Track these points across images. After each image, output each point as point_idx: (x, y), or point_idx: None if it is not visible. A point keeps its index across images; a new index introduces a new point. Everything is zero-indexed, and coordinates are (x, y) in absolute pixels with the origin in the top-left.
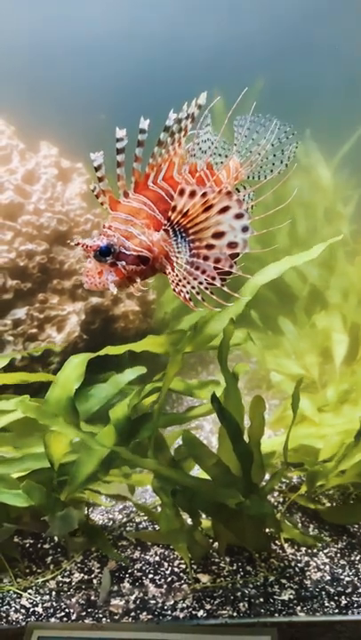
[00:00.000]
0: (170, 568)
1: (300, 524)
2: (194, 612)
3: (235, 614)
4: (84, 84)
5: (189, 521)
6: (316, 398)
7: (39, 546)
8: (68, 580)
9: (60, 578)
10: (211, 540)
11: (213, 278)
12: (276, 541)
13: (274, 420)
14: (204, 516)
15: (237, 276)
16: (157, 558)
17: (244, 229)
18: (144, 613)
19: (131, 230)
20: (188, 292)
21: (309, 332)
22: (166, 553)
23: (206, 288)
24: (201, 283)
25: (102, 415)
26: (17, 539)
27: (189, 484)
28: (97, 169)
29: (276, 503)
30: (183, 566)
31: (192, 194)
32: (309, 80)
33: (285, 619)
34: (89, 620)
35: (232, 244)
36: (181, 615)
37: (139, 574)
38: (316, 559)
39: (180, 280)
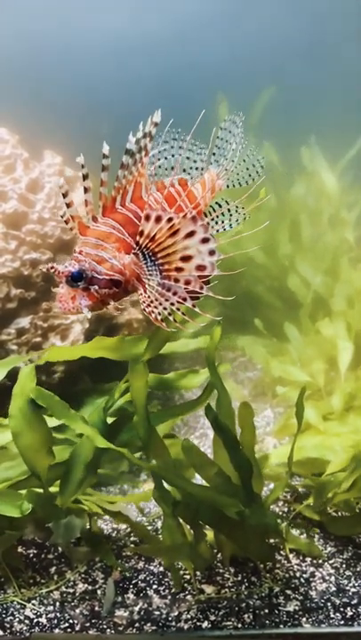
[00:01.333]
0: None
1: (304, 535)
2: (198, 624)
3: (239, 625)
4: (89, 93)
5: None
6: (322, 406)
7: (43, 556)
8: (71, 590)
9: (63, 588)
10: (215, 551)
11: (185, 299)
12: (281, 552)
13: (278, 429)
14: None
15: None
16: (161, 569)
17: (211, 253)
18: (148, 624)
19: (102, 254)
20: (159, 313)
21: (314, 339)
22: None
23: (178, 309)
24: (172, 304)
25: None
26: (21, 549)
27: (191, 491)
28: (64, 195)
29: (281, 513)
30: (187, 577)
31: (158, 219)
32: (315, 86)
33: (291, 630)
34: (93, 631)
35: (200, 267)
36: (186, 626)
37: (143, 585)
38: (321, 570)
39: (151, 301)
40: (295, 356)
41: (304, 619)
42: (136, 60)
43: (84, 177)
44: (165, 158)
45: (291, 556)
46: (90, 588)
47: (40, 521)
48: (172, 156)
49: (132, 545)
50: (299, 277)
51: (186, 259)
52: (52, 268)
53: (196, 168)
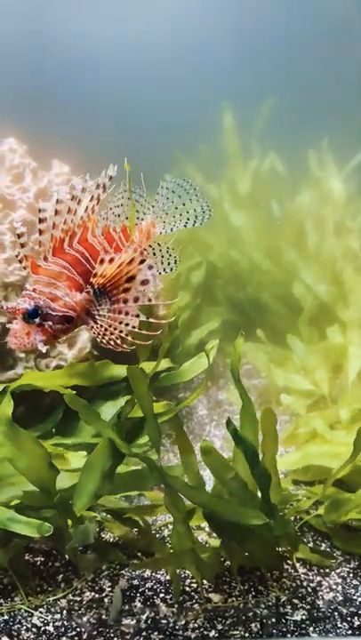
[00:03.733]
0: (181, 587)
1: (311, 544)
2: (205, 633)
3: (247, 635)
4: (96, 102)
5: (200, 538)
6: (327, 415)
7: (50, 564)
8: (79, 598)
9: (71, 596)
10: (222, 559)
11: (138, 315)
12: (288, 561)
13: (285, 438)
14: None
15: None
16: (168, 577)
17: (150, 267)
18: (155, 633)
19: (55, 292)
20: (117, 337)
21: (319, 347)
22: (178, 572)
23: (134, 327)
24: (127, 324)
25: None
26: (28, 556)
27: (208, 503)
28: (19, 236)
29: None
30: (195, 585)
31: (111, 261)
32: (321, 94)
33: (298, 639)
34: (100, 639)
35: (144, 282)
36: (193, 635)
37: (150, 593)
38: (328, 579)
39: (105, 330)
40: (299, 364)
41: (311, 628)
42: (145, 69)
43: (40, 220)
44: (117, 207)
45: (298, 565)
46: (97, 596)
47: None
48: (121, 205)
49: (136, 559)
50: (303, 285)
51: (130, 279)
52: (4, 307)
53: (138, 217)
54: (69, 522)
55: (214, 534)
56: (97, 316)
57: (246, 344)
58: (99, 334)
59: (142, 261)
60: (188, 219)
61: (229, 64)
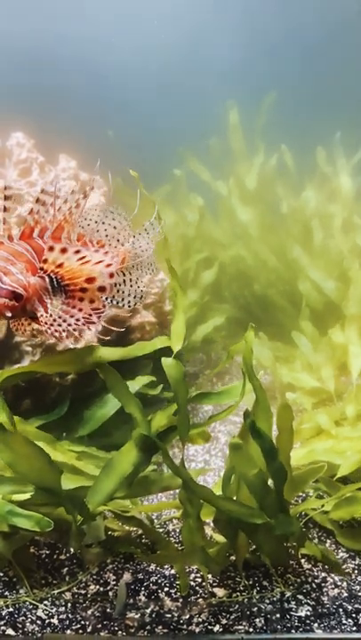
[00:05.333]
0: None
1: (316, 540)
2: (210, 627)
3: (251, 630)
4: (103, 98)
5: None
6: (333, 411)
7: (55, 557)
8: (83, 591)
9: (75, 589)
10: (227, 554)
11: (90, 315)
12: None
13: None
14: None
15: None
16: (173, 571)
17: (110, 275)
18: (160, 627)
19: (10, 268)
20: (64, 330)
21: (325, 344)
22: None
23: (84, 324)
24: (78, 320)
25: (117, 420)
26: (33, 549)
27: (223, 507)
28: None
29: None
30: (199, 580)
31: (63, 250)
32: (324, 93)
33: (302, 635)
34: (104, 632)
35: (101, 288)
36: (197, 630)
37: (154, 587)
38: (333, 575)
39: (54, 320)
40: (304, 361)
41: (316, 624)
42: (150, 64)
43: (6, 197)
44: (96, 222)
45: (303, 560)
46: (101, 589)
47: (54, 523)
48: (103, 223)
49: (143, 554)
50: (310, 282)
51: (90, 280)
52: None
53: (117, 240)
54: (78, 517)
55: (216, 526)
56: (49, 305)
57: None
58: (46, 323)
59: (108, 265)
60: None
61: (235, 61)
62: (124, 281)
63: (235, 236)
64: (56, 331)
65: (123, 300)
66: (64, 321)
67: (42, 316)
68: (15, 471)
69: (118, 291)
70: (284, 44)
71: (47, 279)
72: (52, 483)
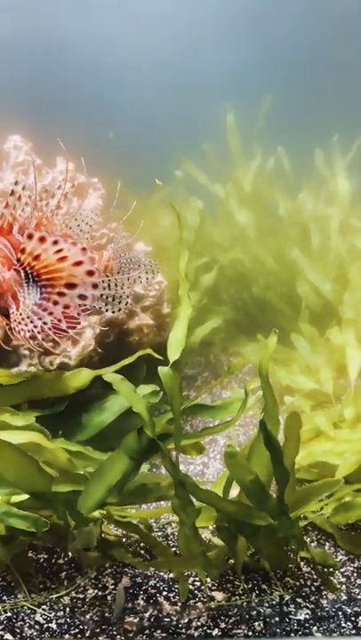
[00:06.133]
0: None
1: (315, 543)
2: (209, 631)
3: (250, 633)
4: (100, 100)
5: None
6: (331, 413)
7: (53, 561)
8: (82, 596)
9: (74, 594)
10: (225, 558)
11: (60, 321)
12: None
13: None
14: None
15: None
16: (172, 575)
17: (94, 286)
18: (158, 631)
19: None
20: (29, 331)
21: (324, 347)
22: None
23: (50, 328)
24: (45, 323)
25: (115, 428)
26: (31, 553)
27: (222, 508)
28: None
29: None
30: (198, 583)
31: (41, 239)
32: (321, 95)
33: (302, 639)
34: (103, 637)
35: (82, 296)
36: (196, 634)
37: (153, 591)
38: (332, 579)
39: (22, 319)
40: (303, 364)
41: (315, 627)
42: (146, 67)
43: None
44: (86, 224)
45: (302, 564)
46: (100, 593)
47: (52, 527)
48: (86, 224)
49: (141, 557)
50: (308, 284)
51: (70, 286)
52: None
53: (86, 238)
54: (72, 522)
55: (217, 532)
56: (22, 303)
57: (251, 343)
58: (14, 320)
59: (90, 273)
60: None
61: (232, 63)
62: (109, 285)
63: (233, 238)
64: (22, 330)
65: (106, 305)
66: (31, 322)
67: (13, 313)
68: (2, 479)
69: (102, 295)
70: (284, 43)
71: (22, 274)
72: (42, 489)
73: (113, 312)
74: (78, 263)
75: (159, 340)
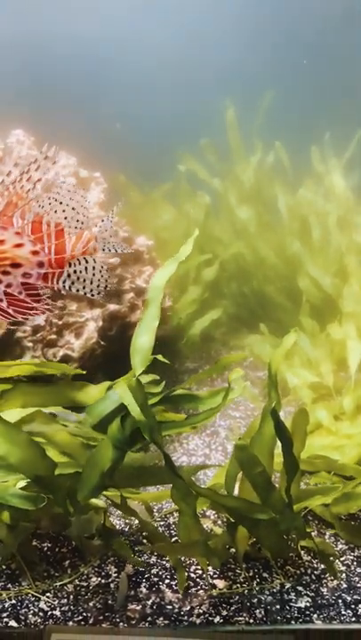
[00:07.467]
0: (186, 573)
1: (316, 532)
2: (210, 618)
3: (251, 621)
4: (101, 94)
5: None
6: (332, 406)
7: (57, 550)
8: (85, 584)
9: (77, 582)
10: (227, 547)
11: (0, 300)
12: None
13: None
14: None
15: None
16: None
17: (40, 265)
18: (161, 618)
19: None
20: None
21: (324, 340)
22: (183, 558)
23: None
24: None
25: (115, 416)
26: (35, 542)
27: (225, 504)
28: None
29: None
30: (200, 572)
31: None
32: (320, 91)
33: (302, 626)
34: (106, 624)
35: (26, 275)
36: (198, 621)
37: (155, 579)
38: (333, 565)
39: None
40: (303, 357)
41: (315, 615)
42: (147, 62)
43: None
44: (56, 200)
45: (302, 552)
46: (103, 581)
47: (55, 514)
48: (60, 203)
49: (146, 543)
50: (308, 278)
51: (15, 265)
52: None
53: (77, 220)
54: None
55: (219, 522)
56: None
57: (252, 336)
58: None
59: (34, 252)
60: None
61: (232, 57)
62: (86, 268)
63: (235, 233)
64: None
65: (84, 287)
66: None
67: None
68: (7, 462)
69: (79, 278)
70: (283, 42)
71: None
72: (45, 474)
73: (92, 295)
74: (19, 245)
75: (160, 332)
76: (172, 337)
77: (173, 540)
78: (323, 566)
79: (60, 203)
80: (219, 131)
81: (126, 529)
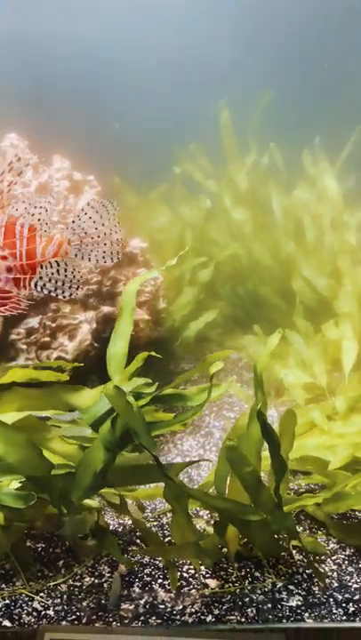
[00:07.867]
0: (179, 573)
1: (307, 531)
2: (202, 617)
3: (243, 620)
4: (96, 98)
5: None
6: (325, 406)
7: (51, 550)
8: (78, 583)
9: (71, 582)
10: (219, 547)
11: None
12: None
13: None
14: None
15: None
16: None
17: (8, 270)
18: (153, 618)
19: None
20: None
21: (318, 341)
22: (175, 558)
23: None
24: None
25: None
26: (29, 542)
27: (215, 505)
28: None
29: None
30: (192, 571)
31: None
32: (319, 92)
33: (293, 625)
34: (99, 623)
35: None
36: (190, 620)
37: (148, 579)
38: (323, 566)
39: None
40: (298, 357)
41: (306, 614)
42: (144, 63)
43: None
44: (40, 208)
45: (294, 552)
46: (96, 581)
47: (49, 515)
48: (35, 207)
49: (136, 547)
50: (302, 279)
51: None
52: None
53: (46, 224)
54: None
55: (211, 522)
56: None
57: (246, 337)
58: None
59: (3, 257)
60: (102, 253)
61: (228, 60)
62: (58, 270)
63: (230, 234)
64: None
65: (56, 289)
66: None
67: None
68: (5, 462)
69: (50, 280)
70: (283, 42)
71: None
72: (42, 475)
73: (64, 297)
74: None
75: (155, 334)
76: (166, 338)
77: (167, 539)
78: (314, 565)
79: (35, 207)
80: (218, 132)
81: (120, 529)
